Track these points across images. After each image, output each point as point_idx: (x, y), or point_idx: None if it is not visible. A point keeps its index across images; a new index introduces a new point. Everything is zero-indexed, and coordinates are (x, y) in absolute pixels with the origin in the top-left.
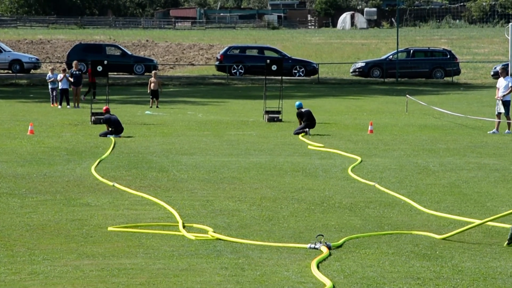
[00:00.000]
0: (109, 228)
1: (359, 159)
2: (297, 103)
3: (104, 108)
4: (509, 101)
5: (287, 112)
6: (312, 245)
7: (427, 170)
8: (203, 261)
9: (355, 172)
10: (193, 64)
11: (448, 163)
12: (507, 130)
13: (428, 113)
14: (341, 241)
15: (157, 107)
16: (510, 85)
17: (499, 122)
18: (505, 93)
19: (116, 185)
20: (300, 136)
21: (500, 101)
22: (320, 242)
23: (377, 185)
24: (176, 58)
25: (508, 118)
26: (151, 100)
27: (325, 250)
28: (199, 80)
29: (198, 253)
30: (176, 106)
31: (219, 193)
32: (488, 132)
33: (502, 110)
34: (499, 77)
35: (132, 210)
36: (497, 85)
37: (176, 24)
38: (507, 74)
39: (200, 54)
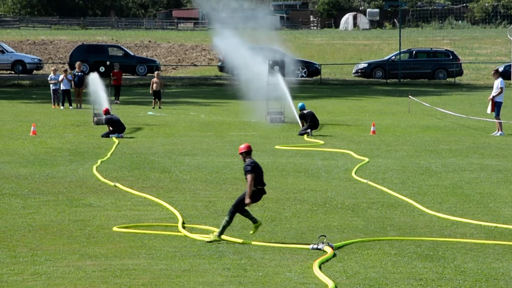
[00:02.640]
0: (112, 229)
1: (362, 159)
2: (300, 104)
3: (104, 109)
4: (501, 102)
5: (290, 113)
6: (315, 246)
7: (430, 171)
8: (205, 262)
9: (357, 172)
10: (195, 65)
11: (451, 164)
12: (500, 132)
13: (431, 114)
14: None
15: (159, 107)
16: (500, 86)
17: (500, 122)
18: (495, 94)
19: (118, 185)
20: (305, 137)
21: (490, 102)
22: (323, 243)
23: (369, 182)
24: (179, 59)
25: (497, 119)
26: (153, 101)
27: (329, 250)
28: (202, 81)
29: (201, 253)
30: (178, 107)
31: (221, 194)
32: (491, 134)
33: (489, 111)
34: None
35: (134, 211)
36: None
37: (179, 25)
38: (500, 76)
39: (202, 55)
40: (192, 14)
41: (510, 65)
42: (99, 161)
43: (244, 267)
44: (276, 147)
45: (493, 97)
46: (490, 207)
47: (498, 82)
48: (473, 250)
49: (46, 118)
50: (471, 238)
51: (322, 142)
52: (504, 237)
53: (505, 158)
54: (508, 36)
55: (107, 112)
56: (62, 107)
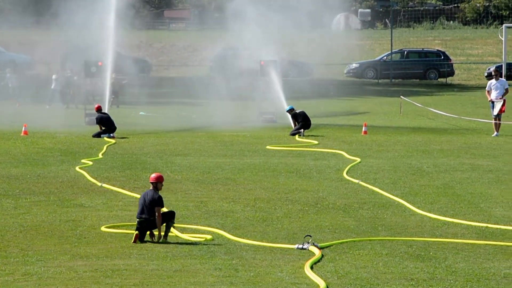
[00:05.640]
0: (102, 228)
1: (357, 159)
2: (288, 106)
3: (96, 106)
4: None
5: (282, 113)
6: (300, 246)
7: (421, 171)
8: (197, 262)
9: (348, 172)
10: (187, 65)
11: (442, 164)
12: (495, 133)
13: (422, 114)
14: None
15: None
16: (506, 87)
17: (497, 124)
18: (501, 95)
19: (104, 185)
20: (296, 137)
21: (499, 103)
22: (308, 243)
23: (361, 182)
24: (171, 59)
25: (498, 120)
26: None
27: (315, 250)
28: (194, 81)
29: (192, 254)
30: (170, 107)
31: (213, 194)
32: (493, 135)
33: (496, 112)
34: (491, 78)
35: (126, 211)
36: (487, 88)
37: (170, 25)
38: (501, 76)
39: (194, 55)
40: (184, 14)
41: (501, 65)
42: (90, 161)
43: (236, 267)
44: (268, 147)
45: (502, 97)
46: (481, 207)
47: (504, 83)
48: (464, 250)
49: (37, 118)
50: (462, 238)
51: (316, 142)
52: (495, 237)
53: (496, 159)
54: (499, 36)
55: (99, 109)
56: (47, 107)
